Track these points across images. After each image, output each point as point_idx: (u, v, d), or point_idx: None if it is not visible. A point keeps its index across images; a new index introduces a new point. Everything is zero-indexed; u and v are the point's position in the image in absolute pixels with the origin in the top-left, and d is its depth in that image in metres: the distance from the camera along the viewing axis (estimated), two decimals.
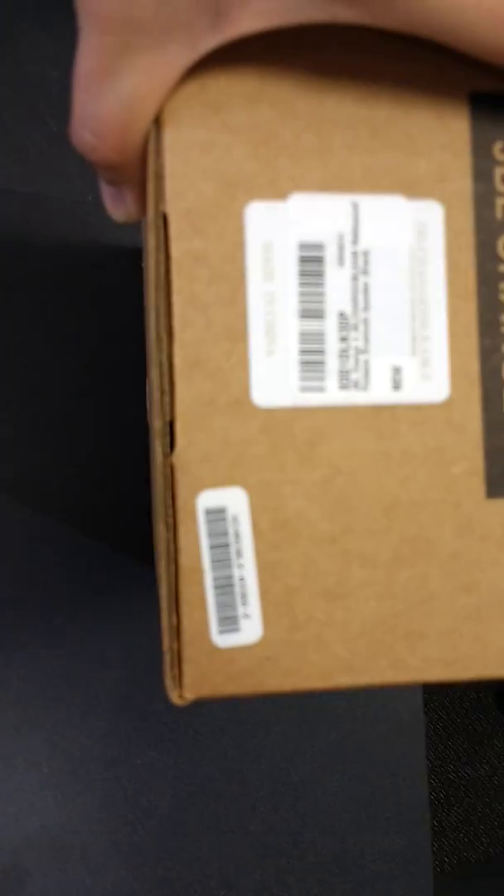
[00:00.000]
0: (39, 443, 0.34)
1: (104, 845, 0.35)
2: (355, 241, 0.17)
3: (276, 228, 0.16)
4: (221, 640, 0.16)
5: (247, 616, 0.16)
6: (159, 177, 0.16)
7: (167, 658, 0.16)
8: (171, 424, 0.16)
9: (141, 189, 0.17)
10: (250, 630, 0.16)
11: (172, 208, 0.16)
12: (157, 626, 0.35)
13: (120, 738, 0.35)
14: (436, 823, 1.22)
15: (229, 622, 0.16)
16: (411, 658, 0.17)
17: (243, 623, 0.16)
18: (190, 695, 0.16)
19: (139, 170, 0.17)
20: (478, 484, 0.17)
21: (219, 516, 0.16)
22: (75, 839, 0.35)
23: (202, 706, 0.36)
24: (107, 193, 0.18)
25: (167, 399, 0.16)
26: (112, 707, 0.35)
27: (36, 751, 0.34)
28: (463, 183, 0.17)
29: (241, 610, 0.16)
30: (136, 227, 0.34)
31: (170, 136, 0.16)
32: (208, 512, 0.16)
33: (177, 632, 0.16)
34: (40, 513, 0.34)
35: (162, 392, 0.16)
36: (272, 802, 0.38)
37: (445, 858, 1.21)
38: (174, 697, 0.16)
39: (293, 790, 0.38)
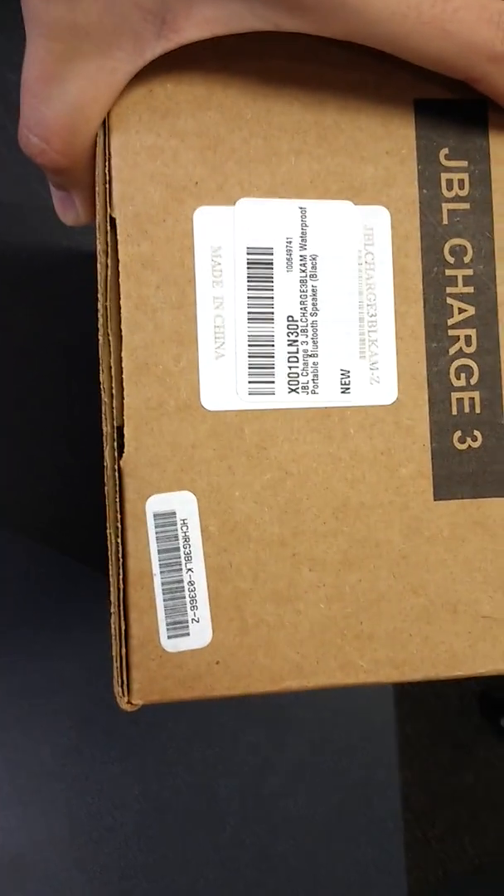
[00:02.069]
0: None
1: (68, 864, 0.34)
2: (303, 245, 0.17)
3: (224, 233, 0.17)
4: (171, 645, 0.16)
5: (196, 620, 0.16)
6: (107, 181, 0.16)
7: (115, 664, 0.16)
8: (120, 429, 0.16)
9: (89, 193, 0.17)
10: (200, 634, 0.16)
11: (120, 212, 0.16)
12: None
13: (83, 754, 0.34)
14: (420, 834, 1.21)
15: (179, 626, 0.16)
16: (361, 660, 0.17)
17: (193, 627, 0.16)
18: (138, 700, 0.16)
19: (87, 174, 0.17)
20: (426, 486, 0.17)
21: (168, 520, 0.16)
22: (38, 858, 0.34)
23: (168, 719, 0.36)
24: (56, 197, 0.18)
25: (116, 403, 0.16)
26: (75, 723, 0.34)
27: None
28: (409, 188, 0.17)
29: (190, 614, 0.16)
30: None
31: (117, 141, 0.16)
32: (157, 516, 0.16)
33: (125, 637, 0.16)
34: None
35: (111, 396, 0.16)
36: (241, 816, 0.37)
37: (430, 870, 1.20)
38: (122, 704, 0.16)
39: (263, 803, 0.38)
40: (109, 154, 0.16)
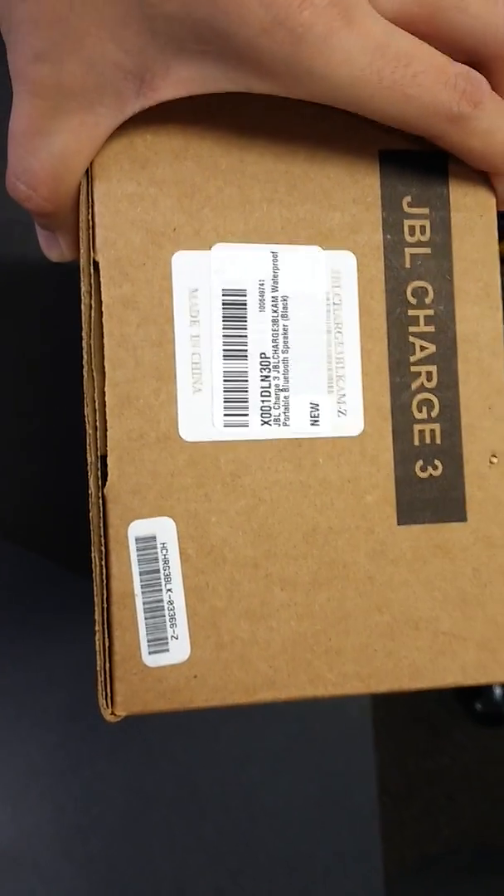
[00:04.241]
0: None
1: (56, 855, 0.36)
2: (275, 287, 0.18)
3: (200, 275, 0.18)
4: (151, 660, 0.17)
5: (175, 637, 0.18)
6: (90, 226, 0.17)
7: (99, 678, 0.17)
8: (104, 458, 0.18)
9: (73, 234, 0.18)
10: (179, 650, 0.18)
11: (103, 256, 0.17)
12: None
13: (69, 749, 0.36)
14: (395, 816, 1.23)
15: (159, 643, 0.18)
16: (329, 673, 0.18)
17: (172, 644, 0.18)
18: (122, 712, 0.17)
19: (71, 217, 0.18)
20: (390, 511, 0.18)
21: (149, 544, 0.18)
22: (27, 850, 0.35)
23: (151, 714, 0.37)
24: (42, 236, 0.19)
25: (100, 435, 0.18)
26: (61, 719, 0.36)
27: None
28: (374, 234, 0.18)
29: (170, 631, 0.18)
30: None
31: (100, 189, 0.17)
32: (138, 540, 0.17)
33: (109, 653, 0.17)
34: None
35: (95, 428, 0.18)
36: (223, 806, 0.39)
37: (406, 852, 1.23)
38: (106, 715, 0.17)
39: (243, 793, 0.39)
40: (92, 201, 0.17)
